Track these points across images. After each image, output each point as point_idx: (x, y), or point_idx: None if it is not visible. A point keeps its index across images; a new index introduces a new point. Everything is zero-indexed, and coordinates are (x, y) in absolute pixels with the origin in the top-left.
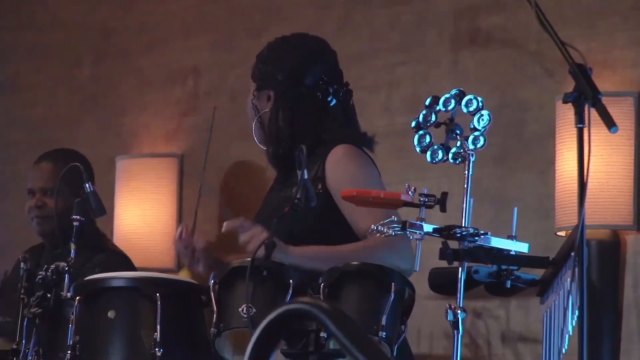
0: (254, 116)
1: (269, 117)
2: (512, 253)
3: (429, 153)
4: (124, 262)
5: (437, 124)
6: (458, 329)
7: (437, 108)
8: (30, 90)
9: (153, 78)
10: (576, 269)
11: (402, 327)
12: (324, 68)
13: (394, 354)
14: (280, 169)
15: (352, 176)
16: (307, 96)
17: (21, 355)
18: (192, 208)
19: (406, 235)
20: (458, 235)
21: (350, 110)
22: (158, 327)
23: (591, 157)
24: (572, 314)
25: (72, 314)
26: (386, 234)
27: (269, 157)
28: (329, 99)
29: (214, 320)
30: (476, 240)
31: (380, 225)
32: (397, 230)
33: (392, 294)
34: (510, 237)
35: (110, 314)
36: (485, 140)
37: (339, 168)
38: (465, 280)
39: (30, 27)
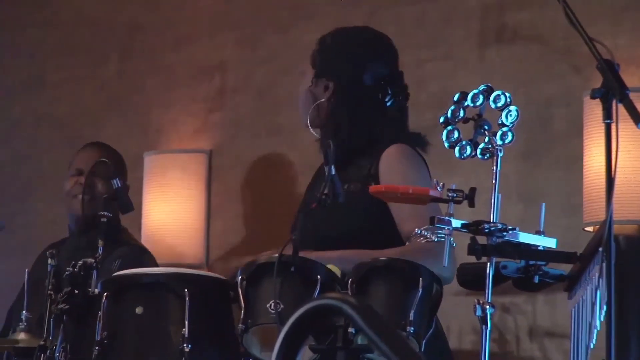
0: (309, 101)
1: (326, 108)
2: (540, 248)
3: (457, 148)
4: (145, 256)
5: (465, 120)
6: (486, 324)
7: (466, 104)
8: (56, 87)
9: (180, 75)
10: (604, 264)
11: (431, 322)
12: (387, 69)
13: (422, 349)
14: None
15: (404, 175)
16: (367, 95)
17: (48, 351)
18: (221, 203)
19: (449, 242)
20: (486, 230)
21: (406, 112)
22: (186, 322)
23: (619, 153)
24: (600, 309)
25: (100, 310)
26: (429, 240)
27: (323, 142)
28: (387, 99)
29: (242, 316)
30: (504, 236)
31: (424, 229)
32: (441, 237)
33: (420, 289)
34: (538, 233)
35: (138, 309)
36: (513, 136)
37: (392, 167)
38: (493, 276)
39: (56, 25)
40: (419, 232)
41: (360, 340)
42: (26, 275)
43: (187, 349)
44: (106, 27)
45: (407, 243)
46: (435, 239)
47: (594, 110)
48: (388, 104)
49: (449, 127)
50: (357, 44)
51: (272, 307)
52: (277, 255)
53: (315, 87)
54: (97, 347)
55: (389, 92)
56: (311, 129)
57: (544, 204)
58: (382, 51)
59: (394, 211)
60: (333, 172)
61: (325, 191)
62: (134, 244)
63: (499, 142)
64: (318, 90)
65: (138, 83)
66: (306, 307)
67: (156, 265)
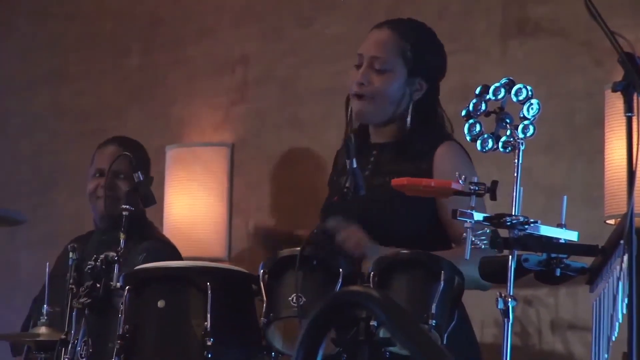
0: (402, 99)
1: (409, 107)
2: (562, 241)
3: (479, 142)
4: (170, 250)
5: (487, 113)
6: (508, 317)
7: (487, 97)
8: (78, 80)
9: (202, 67)
10: (625, 257)
11: (452, 315)
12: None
13: (444, 342)
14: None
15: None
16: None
17: (70, 345)
18: (242, 197)
19: (493, 251)
20: (508, 223)
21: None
22: (208, 316)
23: None
24: (622, 301)
25: (122, 303)
26: (476, 246)
27: (351, 142)
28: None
29: (264, 309)
30: (526, 229)
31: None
32: (486, 245)
33: (442, 282)
34: (559, 226)
35: (160, 303)
36: (534, 129)
37: (447, 164)
38: (515, 269)
39: (78, 17)
40: (480, 243)
41: (382, 333)
42: (47, 269)
43: (209, 343)
44: (128, 19)
45: (454, 246)
46: (482, 247)
47: (615, 104)
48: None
49: (471, 121)
50: (439, 44)
51: (294, 300)
52: (299, 248)
53: (408, 85)
54: (118, 341)
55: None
56: (371, 121)
57: (565, 196)
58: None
59: (442, 213)
60: (354, 165)
61: (347, 184)
62: (159, 238)
63: (521, 135)
64: (410, 89)
65: (160, 76)
66: (328, 301)
67: (181, 259)
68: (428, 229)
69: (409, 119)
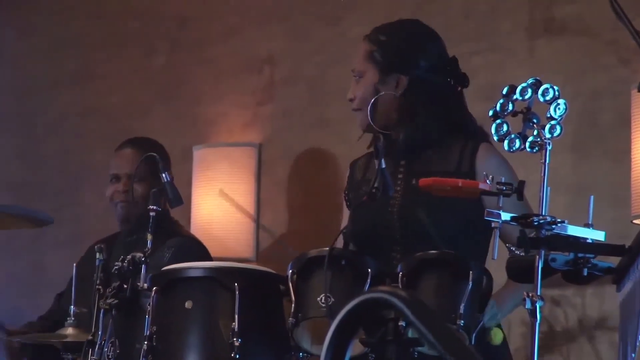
0: (377, 100)
1: (398, 103)
2: (589, 241)
3: (506, 142)
4: (197, 247)
5: (514, 113)
6: (536, 317)
7: (514, 97)
8: (104, 79)
9: (228, 67)
10: None
11: (480, 315)
12: (447, 55)
13: (472, 342)
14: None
15: (508, 178)
16: (440, 84)
17: (97, 346)
18: (270, 197)
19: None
20: (535, 223)
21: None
22: (236, 317)
23: None
24: None
25: (149, 304)
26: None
27: (380, 142)
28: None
29: (292, 310)
30: (553, 229)
31: (517, 248)
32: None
33: (470, 282)
34: (586, 225)
35: (188, 304)
36: (561, 129)
37: (493, 168)
38: (542, 269)
39: (104, 16)
40: (513, 249)
41: (410, 333)
42: (74, 270)
43: (237, 343)
44: (154, 18)
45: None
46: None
47: None
48: (458, 89)
49: (498, 121)
50: (417, 35)
51: (323, 300)
52: (327, 248)
53: (382, 84)
54: (146, 342)
55: (460, 76)
56: (366, 127)
57: (592, 196)
58: (439, 40)
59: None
60: (383, 165)
61: (376, 185)
62: (185, 235)
63: (548, 135)
64: (387, 87)
65: (186, 75)
66: (356, 301)
67: (208, 255)
68: (470, 231)
69: (394, 114)
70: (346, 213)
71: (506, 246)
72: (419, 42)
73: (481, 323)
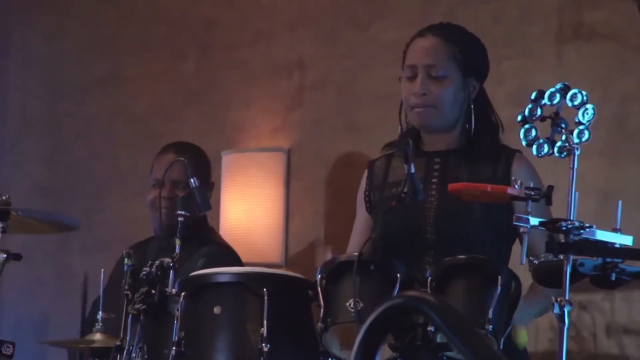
0: (460, 103)
1: (466, 109)
2: (617, 246)
3: (534, 147)
4: (229, 255)
5: (542, 118)
6: (564, 322)
7: (543, 102)
8: (133, 83)
9: (258, 71)
10: None
11: (509, 320)
12: None
13: (501, 347)
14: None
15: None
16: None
17: (125, 351)
18: (299, 202)
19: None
20: (564, 228)
21: None
22: (265, 322)
23: None
24: None
25: (178, 309)
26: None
27: (409, 146)
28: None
29: (321, 315)
30: (581, 234)
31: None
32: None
33: (499, 287)
34: (614, 230)
35: (216, 309)
36: (590, 134)
37: (524, 174)
38: (571, 273)
39: (132, 21)
40: (536, 262)
41: (439, 338)
42: (102, 275)
43: (265, 349)
44: (183, 23)
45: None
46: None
47: None
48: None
49: (527, 126)
50: (481, 42)
51: (352, 305)
52: (356, 253)
53: (462, 88)
54: (174, 348)
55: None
56: (434, 129)
57: (620, 201)
58: None
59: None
60: (412, 170)
61: (405, 189)
62: (219, 242)
63: (576, 140)
64: (465, 92)
65: (215, 80)
66: (385, 306)
67: (240, 263)
68: (501, 237)
69: (473, 121)
70: (361, 216)
71: (529, 259)
72: (484, 50)
73: (509, 328)
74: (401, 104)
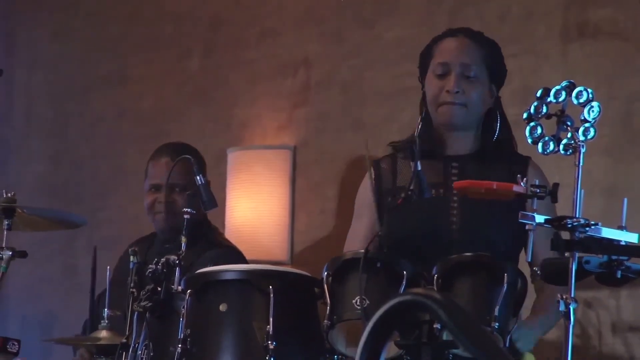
0: (479, 102)
1: (483, 113)
2: (623, 243)
3: (540, 144)
4: (236, 258)
5: (548, 116)
6: (569, 319)
7: (548, 100)
8: (139, 82)
9: (264, 70)
10: None
11: (516, 318)
12: None
13: (507, 345)
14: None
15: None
16: None
17: (131, 349)
18: (305, 199)
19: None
20: (569, 226)
21: None
22: (271, 319)
23: None
24: None
25: (183, 307)
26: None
27: (416, 145)
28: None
29: (328, 312)
30: (587, 231)
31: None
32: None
33: (505, 285)
34: (620, 228)
35: (222, 307)
36: (595, 132)
37: (543, 182)
38: (576, 271)
39: (138, 19)
40: (539, 273)
41: (445, 336)
42: (107, 273)
43: (271, 346)
44: (189, 21)
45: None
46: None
47: None
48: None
49: (532, 123)
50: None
51: (358, 303)
52: (362, 250)
53: (487, 94)
54: (180, 345)
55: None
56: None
57: (625, 199)
58: None
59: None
60: (419, 167)
61: (411, 187)
62: (226, 246)
63: (582, 138)
64: (490, 95)
65: (221, 78)
66: (391, 303)
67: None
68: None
69: (498, 125)
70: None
71: (533, 269)
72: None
73: (515, 326)
74: (422, 96)
